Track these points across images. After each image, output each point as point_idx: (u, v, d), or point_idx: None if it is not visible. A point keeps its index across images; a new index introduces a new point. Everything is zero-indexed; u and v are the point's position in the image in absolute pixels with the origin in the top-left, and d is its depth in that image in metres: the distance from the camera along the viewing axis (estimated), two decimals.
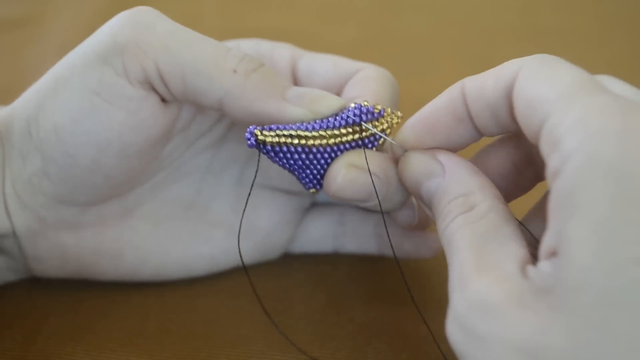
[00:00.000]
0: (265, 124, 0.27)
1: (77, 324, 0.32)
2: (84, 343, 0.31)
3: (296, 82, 0.32)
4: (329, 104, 0.28)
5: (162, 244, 0.32)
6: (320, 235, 0.35)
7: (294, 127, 0.27)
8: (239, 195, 0.34)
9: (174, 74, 0.27)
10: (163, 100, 0.29)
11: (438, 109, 0.26)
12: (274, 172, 0.33)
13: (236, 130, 0.33)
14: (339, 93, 0.31)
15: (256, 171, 0.29)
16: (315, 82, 0.31)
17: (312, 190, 0.29)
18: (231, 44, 0.32)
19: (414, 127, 0.26)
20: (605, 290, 0.19)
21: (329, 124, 0.27)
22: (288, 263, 0.35)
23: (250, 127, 0.27)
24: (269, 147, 0.27)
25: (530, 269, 0.21)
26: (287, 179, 0.33)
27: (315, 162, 0.28)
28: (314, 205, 0.36)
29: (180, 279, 0.33)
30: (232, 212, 0.34)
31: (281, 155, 0.27)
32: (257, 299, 0.32)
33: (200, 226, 0.33)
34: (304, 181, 0.29)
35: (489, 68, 0.55)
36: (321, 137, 0.27)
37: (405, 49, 0.55)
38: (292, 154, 0.27)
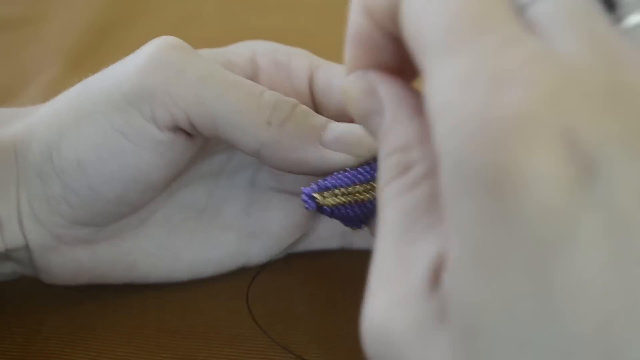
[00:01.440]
0: (304, 170, 0.27)
1: (76, 324, 0.31)
2: (83, 344, 0.31)
3: (313, 94, 0.32)
4: (370, 146, 0.27)
5: (174, 249, 0.32)
6: (328, 234, 0.35)
7: (345, 180, 0.27)
8: (251, 199, 0.34)
9: (205, 123, 0.27)
10: (189, 134, 0.28)
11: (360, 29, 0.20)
12: (288, 177, 0.33)
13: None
14: None
15: (310, 230, 0.30)
16: (333, 96, 0.31)
17: (355, 229, 0.29)
18: (246, 48, 0.31)
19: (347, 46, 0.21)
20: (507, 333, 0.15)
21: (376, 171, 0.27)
22: (288, 263, 0.35)
23: (306, 189, 0.27)
24: (327, 208, 0.27)
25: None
26: (301, 183, 0.33)
27: (364, 210, 0.28)
28: None
29: (188, 280, 0.33)
30: (243, 215, 0.33)
31: (336, 211, 0.27)
32: (253, 301, 0.32)
33: (211, 230, 0.33)
34: (347, 223, 0.29)
35: None
36: (373, 188, 0.27)
37: None
38: (345, 209, 0.27)
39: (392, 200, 0.18)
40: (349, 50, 0.21)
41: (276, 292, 0.33)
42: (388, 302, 0.17)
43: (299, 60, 0.31)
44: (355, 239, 0.35)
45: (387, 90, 0.20)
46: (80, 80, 0.30)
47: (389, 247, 0.18)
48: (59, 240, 0.29)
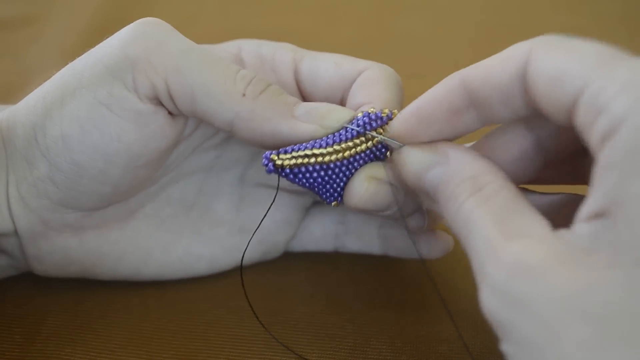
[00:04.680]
0: (276, 143, 0.28)
1: (76, 324, 0.32)
2: (83, 344, 0.31)
3: (299, 85, 0.32)
4: (338, 117, 0.28)
5: (164, 243, 0.32)
6: (321, 234, 0.35)
7: (308, 145, 0.27)
8: (241, 194, 0.34)
9: (183, 94, 0.28)
10: (170, 113, 0.29)
11: (433, 102, 0.26)
12: None
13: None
14: (343, 95, 0.31)
15: (275, 194, 0.30)
16: (319, 85, 0.31)
17: (334, 203, 0.29)
18: (232, 45, 0.32)
19: (405, 120, 0.26)
20: None
21: (341, 137, 0.28)
22: (288, 263, 0.35)
23: (266, 152, 0.27)
24: (288, 170, 0.27)
25: (565, 232, 0.21)
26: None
27: (334, 176, 0.28)
28: (315, 204, 0.36)
29: (181, 278, 0.33)
30: (233, 211, 0.34)
31: (300, 176, 0.28)
32: (254, 301, 0.32)
33: (201, 225, 0.33)
34: (324, 196, 0.29)
35: None
36: (336, 151, 0.27)
37: (405, 49, 0.55)
38: (310, 173, 0.28)
39: (479, 205, 0.23)
40: (407, 124, 0.26)
41: (276, 292, 0.33)
42: (523, 247, 0.21)
43: (282, 54, 0.32)
44: (348, 241, 0.35)
45: (448, 145, 0.26)
46: None
47: (492, 227, 0.22)
48: (47, 226, 0.30)
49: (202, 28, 0.56)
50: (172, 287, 0.33)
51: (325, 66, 0.31)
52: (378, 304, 0.33)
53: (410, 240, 0.33)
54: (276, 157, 0.27)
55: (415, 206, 0.30)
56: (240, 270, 0.33)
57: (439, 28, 0.58)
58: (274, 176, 0.33)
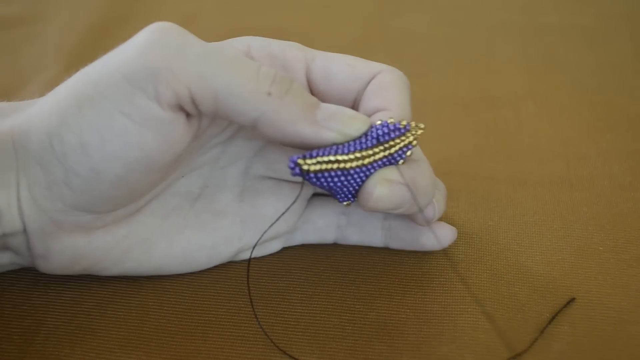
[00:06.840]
0: (298, 144, 0.29)
1: (75, 325, 0.31)
2: (82, 344, 0.30)
3: (311, 84, 0.32)
4: (358, 127, 0.29)
5: (168, 236, 0.32)
6: (323, 224, 0.35)
7: (332, 151, 0.29)
8: (245, 186, 0.34)
9: (207, 98, 0.28)
10: (188, 115, 0.29)
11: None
12: (281, 165, 0.33)
13: (246, 129, 0.33)
14: (356, 97, 0.32)
15: (297, 197, 0.31)
16: (332, 85, 0.32)
17: (346, 203, 0.31)
18: (240, 42, 0.32)
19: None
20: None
21: (362, 144, 0.29)
22: (288, 263, 0.35)
23: (293, 157, 0.28)
24: (312, 175, 0.29)
25: None
26: None
27: (352, 181, 0.29)
28: (316, 194, 0.36)
29: (181, 271, 0.33)
30: (236, 201, 0.34)
31: (322, 179, 0.29)
32: (256, 300, 0.32)
33: (204, 216, 0.33)
34: (338, 196, 0.30)
35: (491, 67, 0.55)
36: (357, 159, 0.29)
37: (406, 48, 0.55)
38: (332, 177, 0.29)
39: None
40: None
41: (276, 292, 0.33)
42: None
43: (293, 53, 0.32)
44: (349, 232, 0.35)
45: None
46: None
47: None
48: (58, 227, 0.30)
49: (201, 28, 0.56)
50: (171, 288, 0.33)
51: (338, 67, 0.32)
52: (378, 305, 0.33)
53: (406, 228, 0.34)
54: (303, 162, 0.28)
55: (428, 201, 0.31)
56: (244, 273, 0.32)
57: (441, 27, 0.58)
58: (277, 169, 0.34)
